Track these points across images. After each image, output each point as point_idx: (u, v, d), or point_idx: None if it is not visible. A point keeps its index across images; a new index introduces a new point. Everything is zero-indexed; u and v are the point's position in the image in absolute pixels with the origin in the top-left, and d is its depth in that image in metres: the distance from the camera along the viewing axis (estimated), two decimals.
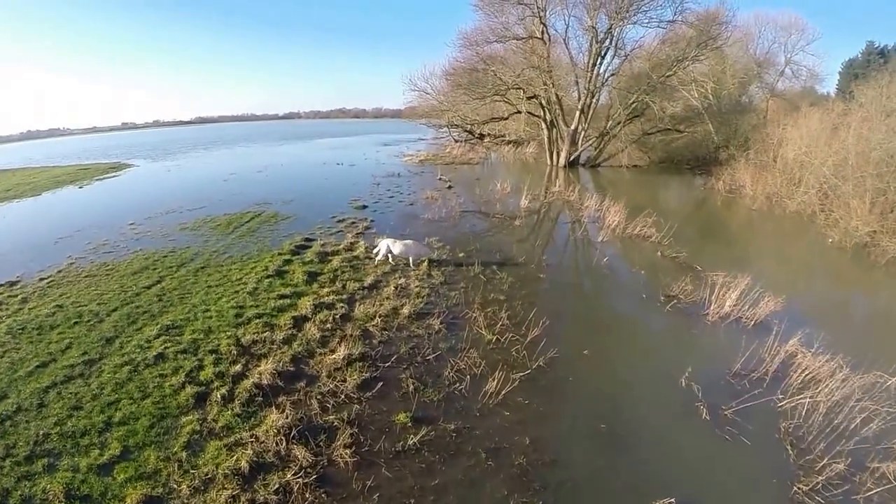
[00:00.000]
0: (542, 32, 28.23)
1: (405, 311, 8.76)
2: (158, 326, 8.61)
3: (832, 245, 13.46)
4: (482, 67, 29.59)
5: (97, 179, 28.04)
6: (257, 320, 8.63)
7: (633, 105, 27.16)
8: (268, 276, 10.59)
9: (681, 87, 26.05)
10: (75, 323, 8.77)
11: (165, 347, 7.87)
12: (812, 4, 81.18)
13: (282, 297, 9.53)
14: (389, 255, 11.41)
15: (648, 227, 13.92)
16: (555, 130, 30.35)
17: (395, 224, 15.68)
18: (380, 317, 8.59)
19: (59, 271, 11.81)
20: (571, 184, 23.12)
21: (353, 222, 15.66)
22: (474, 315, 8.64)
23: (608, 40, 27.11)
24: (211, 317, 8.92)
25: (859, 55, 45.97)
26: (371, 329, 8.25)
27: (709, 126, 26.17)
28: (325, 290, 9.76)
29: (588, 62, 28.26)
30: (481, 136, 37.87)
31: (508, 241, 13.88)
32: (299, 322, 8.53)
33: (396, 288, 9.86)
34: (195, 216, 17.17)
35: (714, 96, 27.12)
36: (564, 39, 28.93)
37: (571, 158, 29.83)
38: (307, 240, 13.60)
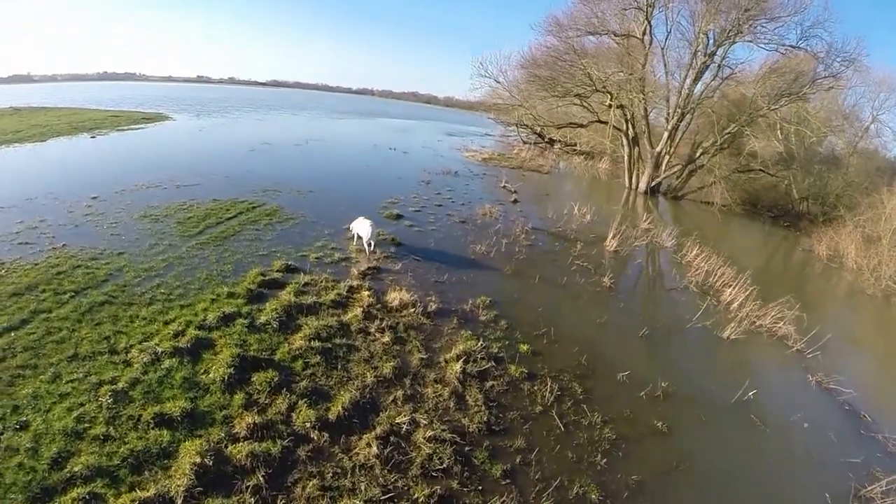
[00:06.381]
0: (644, 32, 24.85)
1: None
2: None
3: None
4: (569, 59, 25.66)
5: (118, 130, 24.71)
6: (80, 489, 3.97)
7: (727, 135, 24.01)
8: (174, 354, 5.86)
9: (780, 122, 23.43)
10: None
11: None
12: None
13: (161, 422, 4.79)
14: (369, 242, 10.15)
15: (786, 323, 9.96)
16: (637, 149, 26.67)
17: (428, 254, 10.75)
18: None
19: None
20: (656, 218, 19.40)
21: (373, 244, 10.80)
22: None
23: (713, 56, 23.66)
24: (18, 451, 4.42)
25: None
26: None
27: (793, 172, 24.90)
28: (247, 419, 4.85)
29: (684, 77, 24.69)
30: (551, 142, 33.95)
31: (595, 322, 8.82)
32: None
33: (384, 439, 4.77)
34: (174, 198, 12.87)
35: (800, 142, 24.98)
36: (663, 48, 25.28)
37: (653, 184, 26.04)
38: (290, 269, 8.83)
